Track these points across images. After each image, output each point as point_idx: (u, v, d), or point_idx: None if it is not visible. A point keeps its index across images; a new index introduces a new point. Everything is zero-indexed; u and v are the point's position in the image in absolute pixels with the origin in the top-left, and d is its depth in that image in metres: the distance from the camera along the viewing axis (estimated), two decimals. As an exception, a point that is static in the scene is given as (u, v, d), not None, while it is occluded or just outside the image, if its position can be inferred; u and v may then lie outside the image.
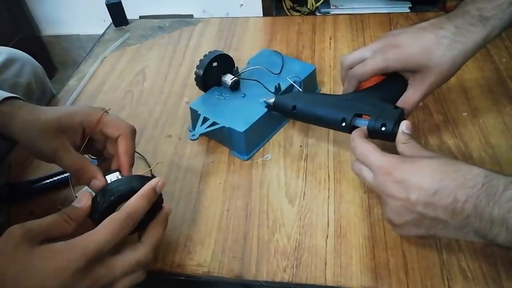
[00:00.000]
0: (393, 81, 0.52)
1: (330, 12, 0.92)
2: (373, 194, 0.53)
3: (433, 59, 0.48)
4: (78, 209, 0.40)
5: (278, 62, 0.67)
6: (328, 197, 0.54)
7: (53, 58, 1.89)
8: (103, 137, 0.48)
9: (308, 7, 0.93)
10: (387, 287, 0.44)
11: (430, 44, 0.48)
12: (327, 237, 0.49)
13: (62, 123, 0.45)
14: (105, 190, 0.42)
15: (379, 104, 0.50)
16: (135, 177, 0.43)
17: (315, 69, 0.67)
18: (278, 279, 0.46)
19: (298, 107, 0.55)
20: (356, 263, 0.47)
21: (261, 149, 0.61)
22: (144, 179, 0.42)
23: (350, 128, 0.50)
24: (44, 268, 0.34)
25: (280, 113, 0.59)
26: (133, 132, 0.48)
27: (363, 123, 0.49)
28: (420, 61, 0.48)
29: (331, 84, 0.70)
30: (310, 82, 0.67)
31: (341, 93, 0.56)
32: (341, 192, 0.54)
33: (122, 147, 0.46)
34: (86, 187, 0.46)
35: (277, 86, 0.60)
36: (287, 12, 0.94)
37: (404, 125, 0.46)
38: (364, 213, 0.51)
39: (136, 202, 0.39)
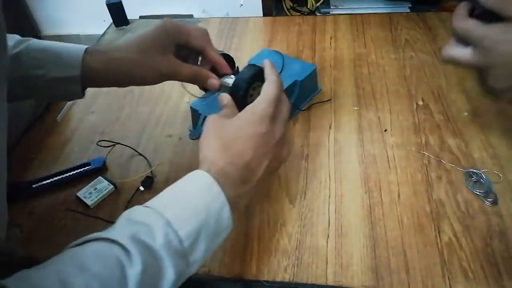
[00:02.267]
0: None
1: (330, 12, 0.92)
2: (374, 194, 0.53)
3: None
4: (227, 102, 0.48)
5: (279, 62, 0.67)
6: (329, 197, 0.54)
7: (53, 58, 1.89)
8: (188, 48, 0.53)
9: (308, 7, 0.92)
10: (388, 286, 0.44)
11: None
12: (328, 236, 0.49)
13: (166, 43, 0.50)
14: (236, 83, 0.50)
15: None
16: (250, 65, 0.51)
17: (315, 69, 0.67)
18: (279, 279, 0.46)
19: None
20: (357, 263, 0.47)
21: (262, 149, 0.60)
22: (255, 65, 0.50)
23: None
24: (249, 122, 0.43)
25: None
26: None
27: None
28: None
29: (332, 84, 0.70)
30: (311, 81, 0.67)
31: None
32: (342, 192, 0.54)
33: (215, 55, 0.53)
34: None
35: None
36: (287, 12, 0.94)
37: None
38: (364, 213, 0.51)
39: (270, 69, 0.48)
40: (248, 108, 0.45)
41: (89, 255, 0.34)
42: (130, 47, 0.50)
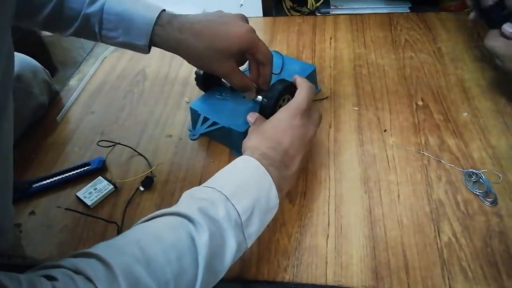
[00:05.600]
0: None
1: (330, 12, 0.92)
2: (373, 194, 0.53)
3: None
4: (257, 116, 0.53)
5: (278, 62, 0.67)
6: (329, 197, 0.54)
7: (53, 58, 1.88)
8: (250, 57, 0.57)
9: (308, 7, 0.92)
10: (388, 286, 0.44)
11: None
12: (327, 236, 0.49)
13: (233, 52, 0.53)
14: (268, 94, 0.54)
15: None
16: (281, 79, 0.56)
17: (315, 69, 0.67)
18: (279, 279, 0.46)
19: None
20: (357, 263, 0.47)
21: (262, 149, 0.60)
22: (285, 79, 0.55)
23: None
24: (285, 115, 0.49)
25: None
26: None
27: None
28: None
29: (332, 84, 0.70)
30: (311, 82, 0.67)
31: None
32: (342, 192, 0.54)
33: (267, 71, 0.57)
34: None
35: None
36: (287, 12, 0.94)
37: None
38: (364, 213, 0.51)
39: (301, 79, 0.54)
40: (283, 107, 0.51)
41: (163, 227, 0.38)
42: (204, 37, 0.52)
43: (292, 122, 0.49)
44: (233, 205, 0.41)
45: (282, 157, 0.47)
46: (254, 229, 0.42)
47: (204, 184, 0.44)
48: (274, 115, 0.51)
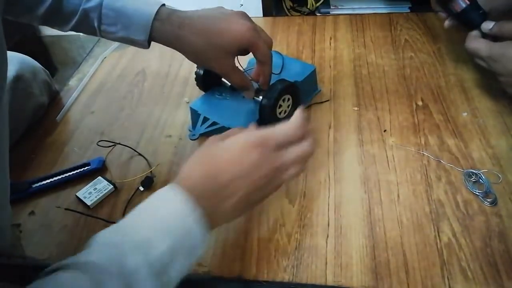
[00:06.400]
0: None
1: (330, 12, 0.92)
2: (373, 194, 0.53)
3: None
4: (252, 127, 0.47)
5: (278, 62, 0.67)
6: (329, 197, 0.54)
7: (53, 58, 1.88)
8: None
9: (308, 7, 0.92)
10: (388, 286, 0.44)
11: None
12: (327, 236, 0.49)
13: (233, 50, 0.52)
14: (268, 93, 0.54)
15: None
16: (280, 79, 0.56)
17: (315, 69, 0.67)
18: (278, 279, 0.46)
19: None
20: (357, 263, 0.47)
21: (261, 149, 0.60)
22: (285, 80, 0.56)
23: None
24: (236, 145, 0.40)
25: None
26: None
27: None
28: None
29: (331, 84, 0.70)
30: (310, 82, 0.67)
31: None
32: (341, 192, 0.54)
33: (266, 70, 0.56)
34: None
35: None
36: (287, 12, 0.94)
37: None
38: (364, 213, 0.51)
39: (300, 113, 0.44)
40: (247, 130, 0.43)
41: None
42: (203, 34, 0.52)
43: (245, 154, 0.39)
44: (147, 252, 0.34)
45: (217, 191, 0.38)
46: (176, 272, 0.36)
47: (116, 225, 0.37)
48: (233, 137, 0.41)
